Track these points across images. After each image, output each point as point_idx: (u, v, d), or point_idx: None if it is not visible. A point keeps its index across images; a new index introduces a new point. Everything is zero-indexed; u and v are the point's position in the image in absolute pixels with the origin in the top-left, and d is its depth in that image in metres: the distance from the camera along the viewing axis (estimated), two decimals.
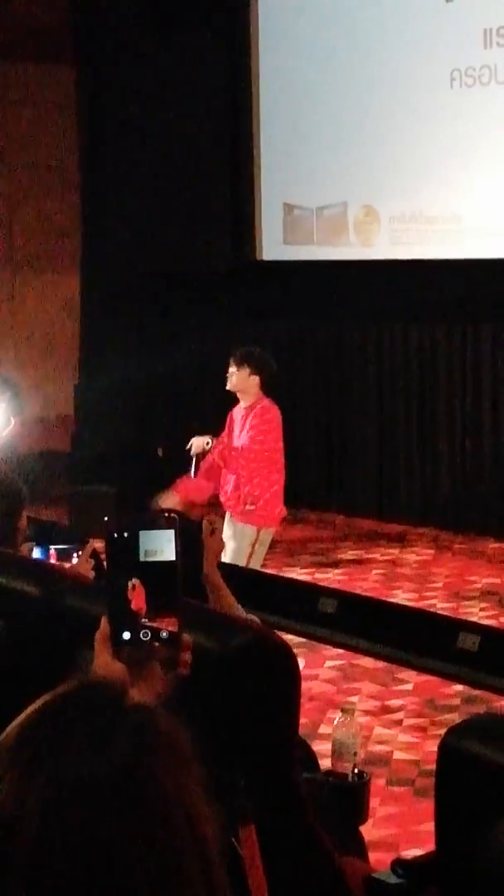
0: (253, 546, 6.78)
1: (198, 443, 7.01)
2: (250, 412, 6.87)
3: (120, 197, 12.30)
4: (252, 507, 6.75)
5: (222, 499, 6.98)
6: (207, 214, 11.56)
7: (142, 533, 1.82)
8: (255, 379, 6.82)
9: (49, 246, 12.42)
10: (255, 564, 6.89)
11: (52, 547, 3.77)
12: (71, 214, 12.59)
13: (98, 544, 4.61)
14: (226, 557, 6.72)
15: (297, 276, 11.03)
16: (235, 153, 11.54)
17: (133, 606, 1.79)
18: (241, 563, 6.74)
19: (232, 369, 6.89)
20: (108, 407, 12.31)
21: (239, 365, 6.86)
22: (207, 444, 6.91)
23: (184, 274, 11.75)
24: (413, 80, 10.11)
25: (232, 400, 7.35)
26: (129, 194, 12.12)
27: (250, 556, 6.82)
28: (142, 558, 1.81)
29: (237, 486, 6.81)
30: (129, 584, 1.80)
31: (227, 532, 6.81)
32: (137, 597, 1.80)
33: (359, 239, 10.66)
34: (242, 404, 6.91)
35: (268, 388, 6.99)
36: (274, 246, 11.33)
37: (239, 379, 6.85)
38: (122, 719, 1.22)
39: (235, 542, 6.77)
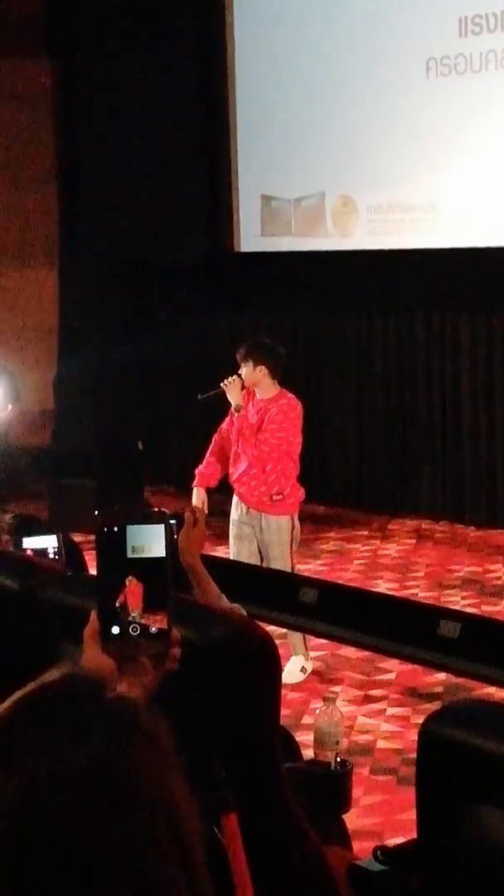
0: (292, 533, 6.79)
1: (236, 393, 6.76)
2: (270, 405, 6.78)
3: (97, 189, 12.28)
4: (279, 497, 6.74)
5: (241, 490, 6.85)
6: (185, 206, 11.53)
7: (131, 528, 1.82)
8: (262, 370, 6.76)
9: (26, 238, 12.39)
10: (295, 549, 6.92)
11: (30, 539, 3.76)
12: (48, 207, 12.56)
13: (79, 538, 4.61)
14: (273, 553, 6.72)
15: (276, 267, 11.02)
16: (212, 145, 11.52)
17: (129, 605, 1.80)
18: (288, 553, 6.76)
19: (241, 367, 6.82)
20: (88, 400, 12.29)
21: (244, 360, 6.79)
22: (237, 407, 6.76)
23: (162, 266, 11.73)
24: (389, 70, 10.11)
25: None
26: (106, 187, 12.10)
27: (291, 542, 6.82)
28: (130, 554, 1.81)
29: (263, 481, 6.74)
30: (125, 581, 1.80)
31: (255, 528, 6.78)
32: (133, 594, 1.80)
33: (337, 229, 10.66)
34: (258, 396, 6.81)
35: (281, 377, 6.88)
36: (252, 237, 11.32)
37: (247, 374, 6.76)
38: (100, 712, 1.21)
39: (277, 536, 6.76)
